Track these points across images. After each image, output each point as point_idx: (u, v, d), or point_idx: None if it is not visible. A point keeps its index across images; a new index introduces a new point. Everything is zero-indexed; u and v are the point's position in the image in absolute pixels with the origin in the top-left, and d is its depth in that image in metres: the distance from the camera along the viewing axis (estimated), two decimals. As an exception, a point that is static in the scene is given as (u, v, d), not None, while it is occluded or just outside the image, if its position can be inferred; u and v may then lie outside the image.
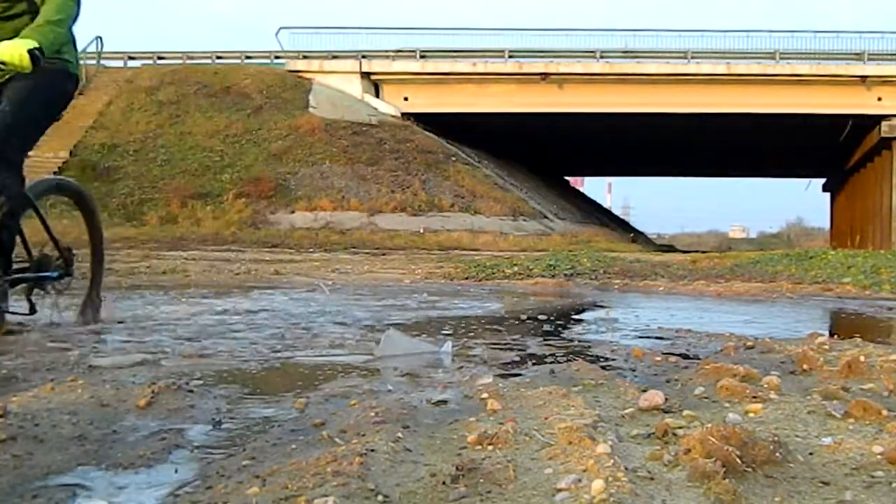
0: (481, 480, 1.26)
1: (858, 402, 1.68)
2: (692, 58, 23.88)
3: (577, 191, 37.11)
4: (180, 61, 25.32)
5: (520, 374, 2.36)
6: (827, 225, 37.08)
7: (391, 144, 21.63)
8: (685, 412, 1.71)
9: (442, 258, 11.78)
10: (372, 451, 1.36)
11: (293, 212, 18.78)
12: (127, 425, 1.67)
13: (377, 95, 24.31)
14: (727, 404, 1.83)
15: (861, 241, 22.34)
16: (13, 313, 2.99)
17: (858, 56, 23.53)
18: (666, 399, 1.79)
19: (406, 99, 24.22)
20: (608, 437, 1.47)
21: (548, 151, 29.36)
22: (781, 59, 23.69)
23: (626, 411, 1.75)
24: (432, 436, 1.57)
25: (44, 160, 16.42)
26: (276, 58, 25.42)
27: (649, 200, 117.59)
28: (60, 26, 2.69)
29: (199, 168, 20.03)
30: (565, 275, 7.73)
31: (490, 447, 1.45)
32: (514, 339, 3.26)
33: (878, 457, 1.38)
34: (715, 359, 2.54)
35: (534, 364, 2.58)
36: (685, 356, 2.78)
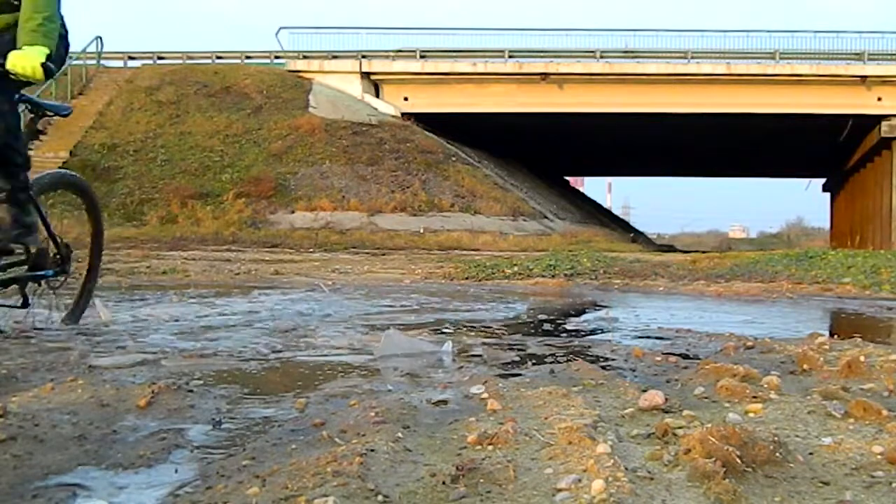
0: (481, 480, 1.26)
1: (858, 402, 1.68)
2: (692, 58, 23.86)
3: (577, 191, 37.10)
4: (180, 61, 25.31)
5: (520, 374, 2.36)
6: (827, 225, 37.08)
7: (391, 144, 21.62)
8: (685, 412, 1.71)
9: (442, 258, 11.78)
10: (372, 451, 1.36)
11: (293, 212, 18.77)
12: (127, 425, 1.67)
13: (377, 95, 24.31)
14: (727, 404, 1.83)
15: (861, 241, 22.31)
16: (5, 306, 2.98)
17: (858, 56, 23.52)
18: (666, 399, 1.79)
19: (406, 99, 24.21)
20: (608, 437, 1.47)
21: (548, 151, 29.33)
22: (781, 59, 23.68)
23: (627, 411, 1.75)
24: (432, 436, 1.57)
25: (44, 160, 16.42)
26: (276, 58, 25.41)
27: (649, 200, 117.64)
28: (56, 19, 2.64)
29: (199, 168, 20.02)
30: (565, 275, 7.73)
31: (490, 447, 1.45)
32: (513, 339, 3.26)
33: (878, 457, 1.38)
34: (715, 359, 2.54)
35: (534, 364, 2.58)
36: (685, 356, 2.78)
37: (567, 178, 36.50)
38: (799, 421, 1.65)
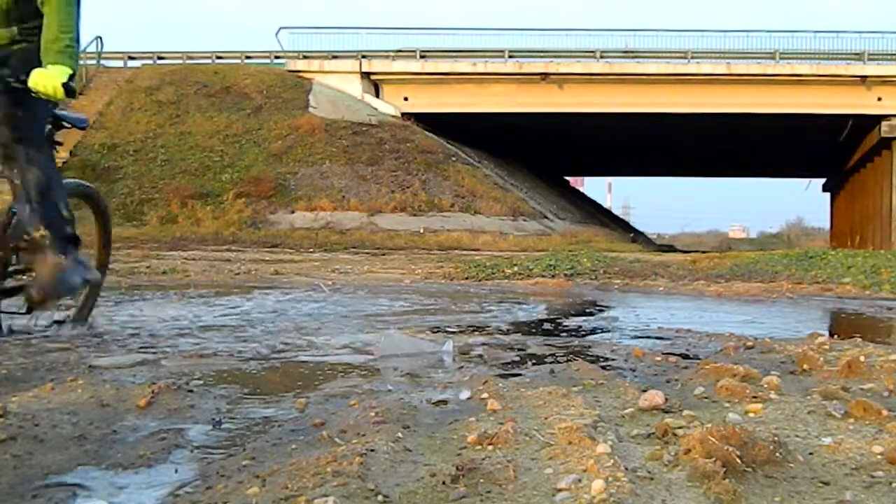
0: (481, 480, 1.26)
1: (858, 402, 1.68)
2: (692, 58, 23.86)
3: (577, 191, 37.09)
4: (180, 61, 25.31)
5: (520, 374, 2.36)
6: (827, 225, 37.07)
7: (391, 144, 21.62)
8: (685, 412, 1.71)
9: (442, 258, 11.78)
10: (372, 451, 1.36)
11: (293, 212, 18.77)
12: (127, 425, 1.67)
13: (377, 95, 24.30)
14: (727, 404, 1.83)
15: (861, 241, 22.31)
16: (9, 312, 3.00)
17: (858, 56, 23.52)
18: (666, 399, 1.79)
19: (406, 99, 24.21)
20: (608, 437, 1.47)
21: (548, 151, 29.33)
22: (781, 59, 23.68)
23: (626, 411, 1.75)
24: (432, 436, 1.57)
25: (44, 160, 16.40)
26: (276, 58, 25.41)
27: (649, 200, 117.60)
28: (75, 38, 2.60)
29: (199, 168, 20.02)
30: (565, 275, 7.73)
31: (490, 447, 1.45)
32: (513, 339, 3.26)
33: (878, 457, 1.38)
34: (715, 359, 2.54)
35: (534, 364, 2.58)
36: (685, 356, 2.78)
37: (567, 178, 36.49)
38: (799, 421, 1.65)
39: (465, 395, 2.01)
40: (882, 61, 23.33)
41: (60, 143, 3.03)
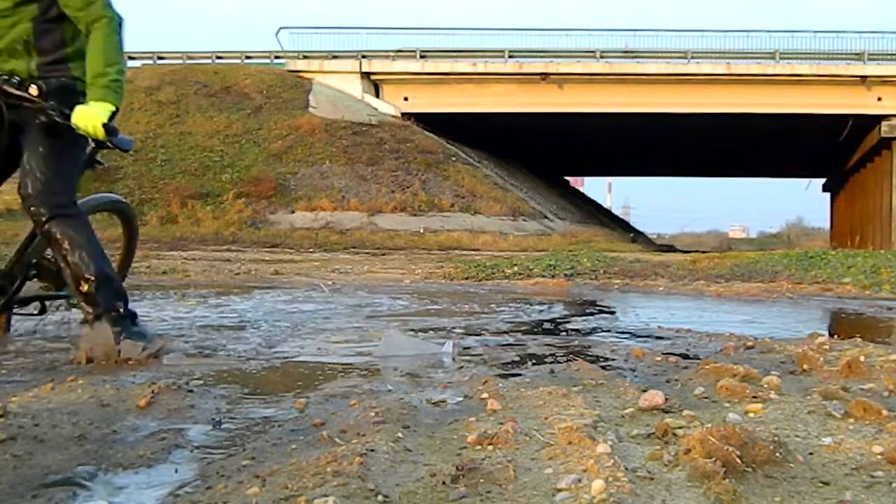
0: (481, 480, 1.26)
1: (858, 402, 1.68)
2: (692, 58, 23.86)
3: (577, 191, 37.09)
4: (180, 61, 25.31)
5: (520, 374, 2.36)
6: (827, 225, 37.07)
7: (391, 144, 21.62)
8: (685, 412, 1.71)
9: (442, 258, 11.78)
10: (372, 451, 1.36)
11: (293, 212, 18.77)
12: (127, 425, 1.67)
13: (377, 95, 24.31)
14: (727, 404, 1.83)
15: (861, 241, 22.30)
16: (23, 314, 3.03)
17: (858, 56, 23.52)
18: (666, 399, 1.79)
19: (406, 99, 24.21)
20: (608, 437, 1.47)
21: (548, 151, 29.33)
22: (781, 59, 23.68)
23: (626, 411, 1.75)
24: (432, 436, 1.57)
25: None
26: (276, 58, 25.41)
27: (649, 200, 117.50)
28: (117, 62, 2.55)
29: (199, 168, 20.02)
30: (565, 275, 7.73)
31: (490, 447, 1.45)
32: (513, 339, 3.26)
33: (878, 457, 1.38)
34: (715, 359, 2.54)
35: (534, 364, 2.58)
36: (685, 356, 2.78)
37: (567, 178, 36.50)
38: (799, 421, 1.65)
39: (464, 394, 2.01)
40: (882, 61, 23.33)
41: (101, 164, 3.02)
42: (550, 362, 2.60)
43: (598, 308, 5.13)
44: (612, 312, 4.87)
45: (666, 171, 39.75)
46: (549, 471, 1.30)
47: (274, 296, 5.33)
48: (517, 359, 2.73)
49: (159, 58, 25.57)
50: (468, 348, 2.92)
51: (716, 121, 24.23)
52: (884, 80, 23.06)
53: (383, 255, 13.54)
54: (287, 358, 2.69)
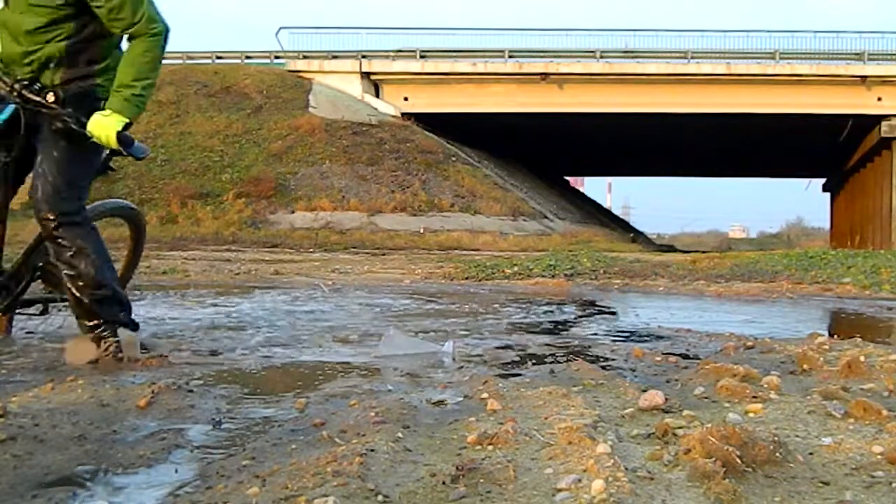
0: (481, 480, 1.26)
1: (858, 402, 1.68)
2: (692, 58, 23.86)
3: (577, 191, 37.09)
4: (180, 61, 25.30)
5: (520, 374, 2.36)
6: (827, 225, 37.07)
7: (391, 144, 21.62)
8: (685, 412, 1.71)
9: (442, 258, 11.78)
10: (372, 451, 1.36)
11: (293, 212, 18.77)
12: (127, 425, 1.67)
13: (377, 95, 24.30)
14: (727, 404, 1.83)
15: (861, 241, 22.29)
16: (25, 314, 3.04)
17: (858, 56, 23.52)
18: (666, 399, 1.79)
19: (406, 99, 24.21)
20: (608, 437, 1.47)
21: (548, 151, 29.33)
22: (781, 59, 23.67)
23: (626, 411, 1.75)
24: (432, 436, 1.57)
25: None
26: (276, 58, 25.41)
27: (649, 200, 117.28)
28: (147, 79, 2.56)
29: (199, 168, 20.02)
30: (565, 275, 7.73)
31: (490, 447, 1.45)
32: (513, 339, 3.26)
33: (878, 457, 1.38)
34: (715, 359, 2.54)
35: (534, 364, 2.58)
36: (685, 356, 2.78)
37: (567, 178, 36.50)
38: (799, 421, 1.65)
39: (464, 394, 2.01)
40: (882, 61, 23.33)
41: (114, 170, 3.03)
42: (550, 362, 2.60)
43: (598, 308, 5.13)
44: (612, 312, 4.87)
45: (666, 171, 39.74)
46: (549, 471, 1.30)
47: (274, 296, 5.33)
48: (517, 359, 2.73)
49: (159, 58, 25.53)
50: (468, 347, 2.92)
51: (716, 121, 24.23)
52: (884, 80, 23.06)
53: (383, 255, 13.54)
54: (287, 357, 2.68)
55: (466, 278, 7.72)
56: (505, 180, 22.76)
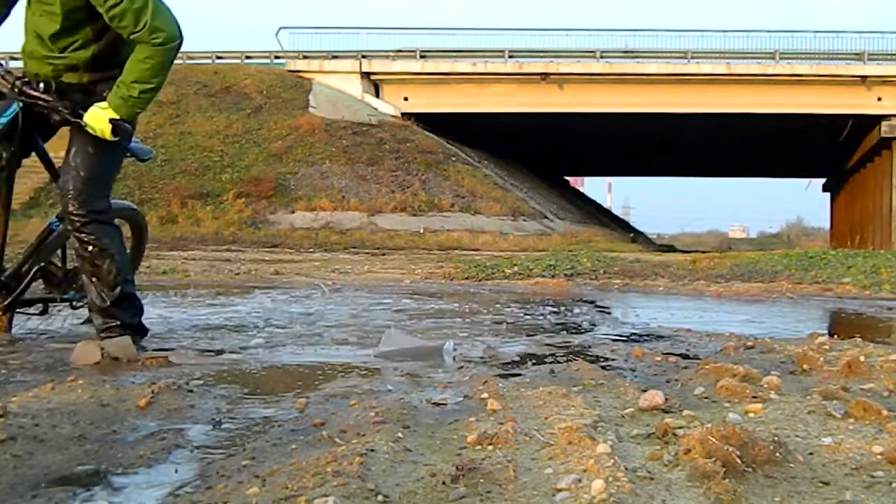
0: (481, 480, 1.26)
1: (858, 402, 1.68)
2: (692, 58, 23.87)
3: (577, 191, 37.10)
4: (180, 61, 25.25)
5: (520, 374, 2.36)
6: (827, 225, 37.08)
7: (391, 144, 21.62)
8: (685, 412, 1.71)
9: (442, 258, 11.78)
10: (372, 451, 1.36)
11: (293, 212, 18.77)
12: (127, 425, 1.67)
13: (377, 95, 24.31)
14: (727, 404, 1.83)
15: (861, 241, 22.29)
16: (25, 313, 3.06)
17: (858, 56, 23.52)
18: (666, 399, 1.79)
19: (406, 99, 24.22)
20: (608, 437, 1.47)
21: (548, 151, 29.34)
22: (781, 59, 23.69)
23: (626, 411, 1.75)
24: (432, 436, 1.57)
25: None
26: (276, 58, 25.42)
27: (649, 200, 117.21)
28: (147, 83, 2.55)
29: (199, 168, 20.03)
30: (565, 275, 7.73)
31: (490, 447, 1.45)
32: (513, 339, 3.26)
33: (878, 457, 1.38)
34: (715, 359, 2.54)
35: (534, 364, 2.58)
36: (685, 356, 2.78)
37: (567, 178, 36.50)
38: (799, 421, 1.65)
39: (464, 394, 2.01)
40: (882, 61, 23.34)
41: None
42: (550, 362, 2.60)
43: (598, 308, 5.13)
44: (612, 312, 4.87)
45: (666, 171, 39.75)
46: (549, 471, 1.30)
47: (274, 296, 5.33)
48: (517, 359, 2.73)
49: (159, 58, 25.54)
50: (468, 347, 2.92)
51: (716, 121, 24.24)
52: (884, 80, 23.07)
53: (383, 255, 13.54)
54: (287, 358, 2.68)
55: (466, 278, 7.72)
56: (505, 180, 22.77)
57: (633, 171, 41.05)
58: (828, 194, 33.95)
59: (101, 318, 2.61)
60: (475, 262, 9.71)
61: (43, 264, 2.94)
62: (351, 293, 5.79)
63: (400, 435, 1.51)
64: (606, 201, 51.10)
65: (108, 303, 2.61)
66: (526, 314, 4.49)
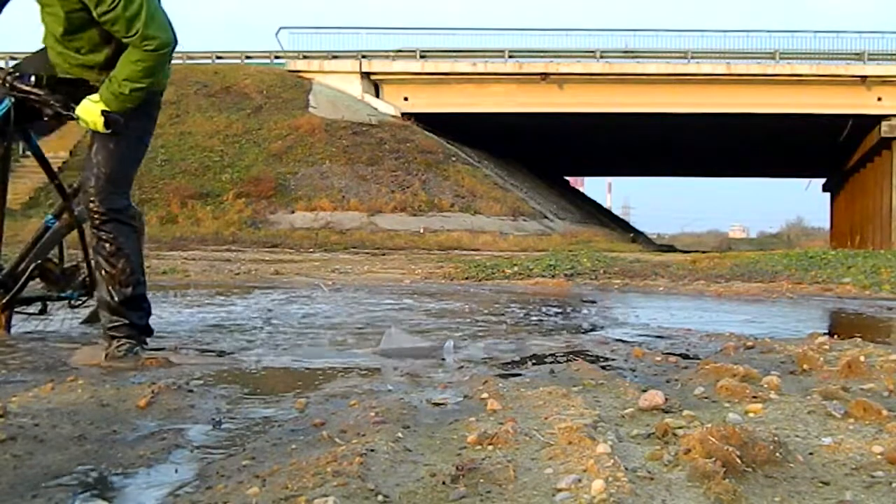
0: (481, 480, 1.26)
1: (858, 402, 1.68)
2: (692, 58, 23.88)
3: (577, 191, 37.10)
4: (180, 61, 25.28)
5: (520, 374, 2.36)
6: (827, 225, 37.09)
7: (391, 144, 21.63)
8: (685, 412, 1.71)
9: (442, 258, 11.78)
10: (372, 451, 1.36)
11: (293, 212, 18.78)
12: (127, 425, 1.67)
13: (377, 95, 24.32)
14: (727, 404, 1.83)
15: (861, 241, 22.29)
16: (24, 313, 3.05)
17: (858, 56, 23.53)
18: (666, 399, 1.79)
19: (406, 99, 24.22)
20: (608, 437, 1.47)
21: (548, 151, 29.35)
22: (781, 59, 23.69)
23: (626, 411, 1.75)
24: (432, 436, 1.57)
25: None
26: (276, 58, 25.43)
27: (649, 200, 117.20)
28: (137, 83, 2.55)
29: (199, 168, 20.03)
30: (565, 275, 7.73)
31: (490, 447, 1.45)
32: (513, 339, 3.25)
33: (878, 457, 1.38)
34: (715, 359, 2.54)
35: (534, 364, 2.58)
36: (685, 356, 2.78)
37: (567, 178, 36.51)
38: (799, 421, 1.65)
39: (464, 394, 2.01)
40: (882, 61, 23.35)
41: None
42: (550, 362, 2.60)
43: (598, 308, 5.13)
44: (612, 312, 4.87)
45: (666, 171, 39.76)
46: (549, 471, 1.30)
47: (274, 296, 5.34)
48: (517, 359, 2.72)
49: (159, 58, 25.54)
50: (468, 347, 2.92)
51: (716, 121, 24.25)
52: (884, 80, 23.07)
53: (383, 255, 13.55)
54: (287, 358, 2.68)
55: (466, 278, 7.72)
56: (505, 180, 22.77)
57: (633, 171, 41.06)
58: (828, 194, 33.96)
59: (110, 316, 2.62)
60: (475, 262, 9.71)
61: (40, 262, 2.94)
62: (351, 293, 5.79)
63: (400, 435, 1.51)
64: (606, 201, 51.13)
65: (119, 302, 2.61)
66: (526, 314, 4.49)
